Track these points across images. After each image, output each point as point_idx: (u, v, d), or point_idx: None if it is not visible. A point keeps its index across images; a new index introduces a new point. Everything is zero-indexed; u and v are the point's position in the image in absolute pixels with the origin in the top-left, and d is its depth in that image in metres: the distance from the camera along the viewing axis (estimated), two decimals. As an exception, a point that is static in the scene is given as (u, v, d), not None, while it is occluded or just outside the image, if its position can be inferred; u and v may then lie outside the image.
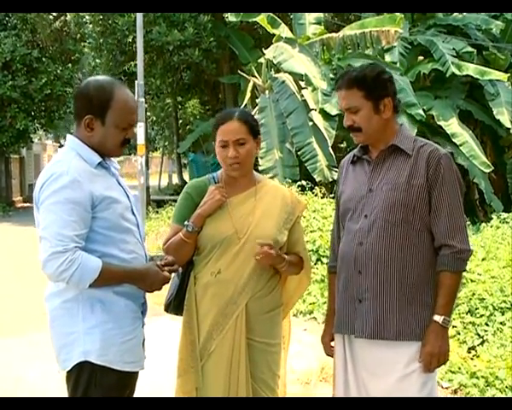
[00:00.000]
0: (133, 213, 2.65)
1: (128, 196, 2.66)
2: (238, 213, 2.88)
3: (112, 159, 2.70)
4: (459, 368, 5.18)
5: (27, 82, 21.01)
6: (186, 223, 2.84)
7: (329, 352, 2.92)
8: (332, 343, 2.88)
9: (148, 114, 26.08)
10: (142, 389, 2.81)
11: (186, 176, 27.73)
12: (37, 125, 23.47)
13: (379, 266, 2.59)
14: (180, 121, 26.81)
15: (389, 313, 2.59)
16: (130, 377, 2.59)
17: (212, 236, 2.85)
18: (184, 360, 2.91)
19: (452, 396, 4.81)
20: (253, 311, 2.86)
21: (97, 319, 2.46)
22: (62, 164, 2.45)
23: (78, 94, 2.58)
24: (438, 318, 2.54)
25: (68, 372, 2.50)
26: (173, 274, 2.96)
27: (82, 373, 2.45)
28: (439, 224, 2.58)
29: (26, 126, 21.10)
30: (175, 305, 2.96)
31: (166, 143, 35.48)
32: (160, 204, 20.12)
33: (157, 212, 14.46)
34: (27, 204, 25.80)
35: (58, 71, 21.78)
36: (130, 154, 42.39)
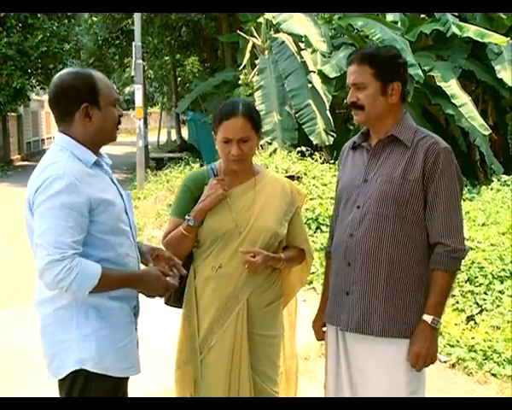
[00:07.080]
0: (126, 213, 2.59)
1: (122, 196, 2.60)
2: (238, 205, 2.86)
3: (103, 153, 2.61)
4: (457, 341, 5.23)
5: (23, 39, 20.57)
6: (187, 217, 2.82)
7: (320, 337, 2.93)
8: (324, 329, 2.87)
9: (147, 72, 25.81)
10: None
11: (185, 133, 27.57)
12: (33, 82, 23.14)
13: (367, 259, 2.56)
14: (179, 79, 26.55)
15: (375, 307, 2.56)
16: (125, 382, 2.59)
17: (213, 230, 2.84)
18: (183, 353, 2.94)
19: (449, 397, 4.86)
20: (254, 305, 2.87)
21: (93, 326, 2.40)
22: (57, 167, 2.34)
23: (59, 93, 2.44)
24: (427, 318, 2.50)
25: (61, 380, 2.45)
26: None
27: (76, 381, 2.40)
28: (435, 221, 2.52)
29: (22, 85, 20.75)
30: (175, 298, 2.96)
31: (165, 100, 35.17)
32: (158, 163, 20.06)
33: (156, 174, 14.36)
34: (26, 162, 25.73)
35: (54, 27, 21.35)
36: (128, 109, 42.15)
